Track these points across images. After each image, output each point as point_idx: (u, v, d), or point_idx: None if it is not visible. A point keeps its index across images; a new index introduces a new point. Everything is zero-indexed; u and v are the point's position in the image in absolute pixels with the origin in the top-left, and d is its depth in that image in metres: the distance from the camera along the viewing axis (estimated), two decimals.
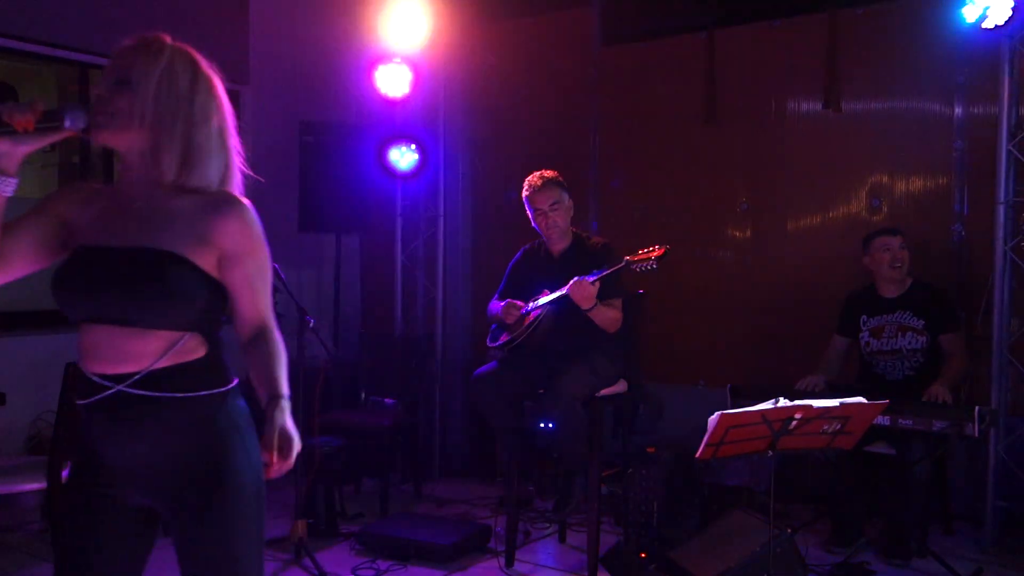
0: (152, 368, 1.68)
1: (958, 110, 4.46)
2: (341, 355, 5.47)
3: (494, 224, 5.76)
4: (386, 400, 5.21)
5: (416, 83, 5.36)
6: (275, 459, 1.73)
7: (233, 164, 1.84)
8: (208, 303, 1.74)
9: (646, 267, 3.56)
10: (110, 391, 1.67)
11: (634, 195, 5.43)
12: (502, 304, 3.88)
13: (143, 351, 1.68)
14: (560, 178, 3.91)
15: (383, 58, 5.30)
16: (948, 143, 4.50)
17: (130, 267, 1.68)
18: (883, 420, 3.66)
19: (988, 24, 3.83)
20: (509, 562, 3.92)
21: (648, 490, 3.95)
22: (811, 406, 2.81)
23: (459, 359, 5.81)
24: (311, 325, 3.88)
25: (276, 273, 3.94)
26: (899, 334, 4.14)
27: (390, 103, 5.43)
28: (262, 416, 1.79)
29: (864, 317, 4.24)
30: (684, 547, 3.61)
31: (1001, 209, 4.04)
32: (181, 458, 1.72)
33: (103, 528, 1.77)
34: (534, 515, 4.57)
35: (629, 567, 3.64)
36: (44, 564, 3.82)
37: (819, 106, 4.78)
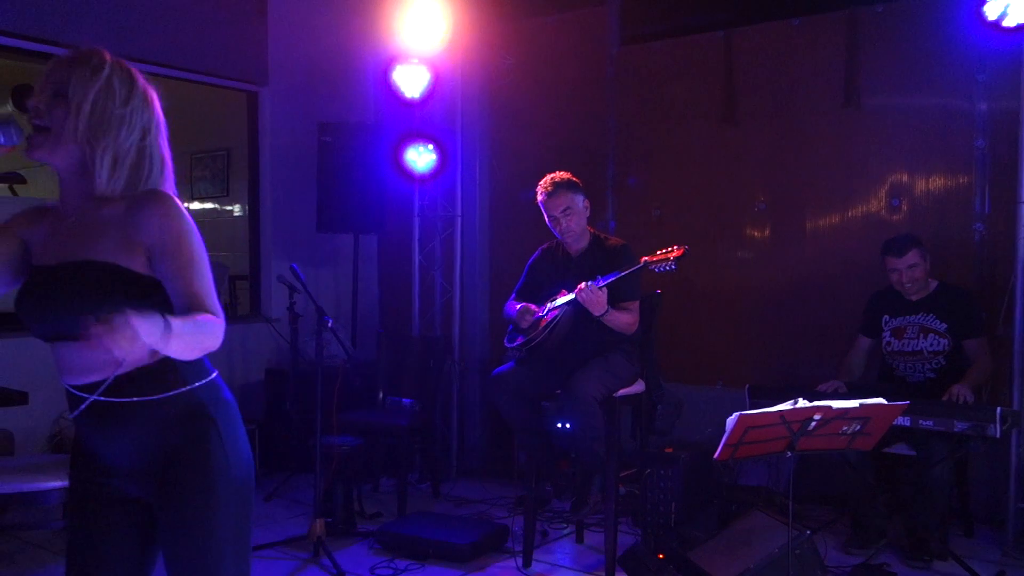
0: (117, 374, 1.73)
1: (979, 108, 4.42)
2: (359, 355, 5.49)
3: (512, 224, 5.77)
4: (404, 400, 5.22)
5: (434, 83, 5.37)
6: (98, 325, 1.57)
7: (165, 167, 1.86)
8: (153, 303, 1.72)
9: (665, 267, 3.56)
10: (86, 403, 1.75)
11: (652, 194, 5.42)
12: (517, 308, 3.89)
13: (102, 360, 1.72)
14: (573, 180, 3.89)
15: (401, 58, 5.32)
16: (969, 141, 4.46)
17: (69, 283, 1.72)
18: (903, 421, 3.64)
19: (1009, 22, 3.80)
20: (527, 562, 3.92)
21: (666, 490, 3.95)
22: (831, 407, 2.80)
23: (476, 359, 5.82)
24: (329, 325, 3.90)
25: (295, 273, 3.99)
26: (921, 336, 4.11)
27: (408, 103, 5.45)
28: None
29: (886, 317, 4.21)
30: (702, 548, 3.60)
31: (1023, 208, 4.00)
32: (161, 454, 1.78)
33: (108, 518, 1.84)
34: (551, 515, 4.57)
35: (647, 568, 3.63)
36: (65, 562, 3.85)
37: (838, 104, 4.75)
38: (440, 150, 5.42)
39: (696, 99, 5.25)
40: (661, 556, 3.69)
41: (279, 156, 5.97)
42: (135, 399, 1.75)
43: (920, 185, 4.62)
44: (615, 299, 3.70)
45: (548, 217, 3.90)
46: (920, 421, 3.63)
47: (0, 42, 4.81)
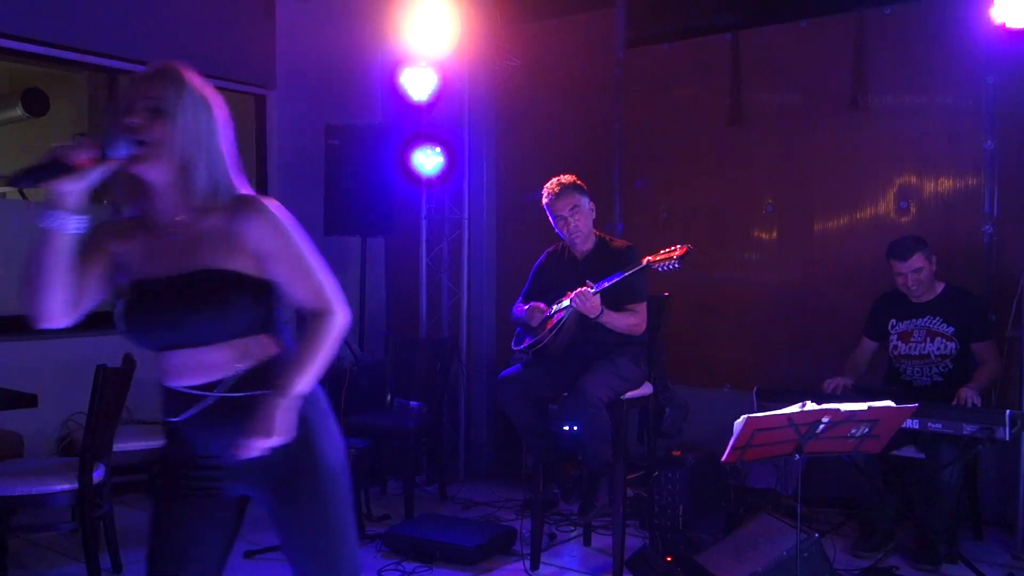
0: (237, 372, 1.82)
1: (988, 110, 4.41)
2: (366, 357, 5.50)
3: (519, 227, 5.77)
4: (411, 402, 5.23)
5: (441, 86, 5.38)
6: (250, 442, 1.76)
7: (240, 173, 1.91)
8: (264, 305, 1.84)
9: (669, 266, 3.55)
10: (205, 402, 1.82)
11: (659, 196, 5.42)
12: (526, 307, 3.89)
13: (221, 362, 1.82)
14: (578, 182, 3.90)
15: (408, 61, 5.33)
16: (978, 143, 4.44)
17: (184, 293, 1.78)
18: (912, 423, 3.63)
19: (1018, 23, 3.79)
20: (534, 565, 3.92)
21: (674, 493, 3.94)
22: (839, 410, 2.79)
23: (484, 361, 5.82)
24: None
25: None
26: (928, 339, 4.10)
27: (415, 106, 5.46)
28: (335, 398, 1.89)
29: (893, 321, 4.20)
30: (710, 551, 3.59)
31: None
32: (272, 449, 1.81)
33: (201, 522, 1.89)
34: (559, 518, 4.57)
35: (655, 570, 3.63)
36: (75, 564, 3.87)
37: (846, 106, 4.74)
38: (448, 153, 5.43)
39: (703, 101, 5.25)
40: (669, 559, 3.69)
41: (287, 159, 5.99)
42: (249, 394, 1.81)
43: (928, 187, 4.60)
44: (620, 301, 3.70)
45: (555, 218, 3.91)
46: (929, 424, 3.62)
47: (10, 46, 4.83)
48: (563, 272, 3.95)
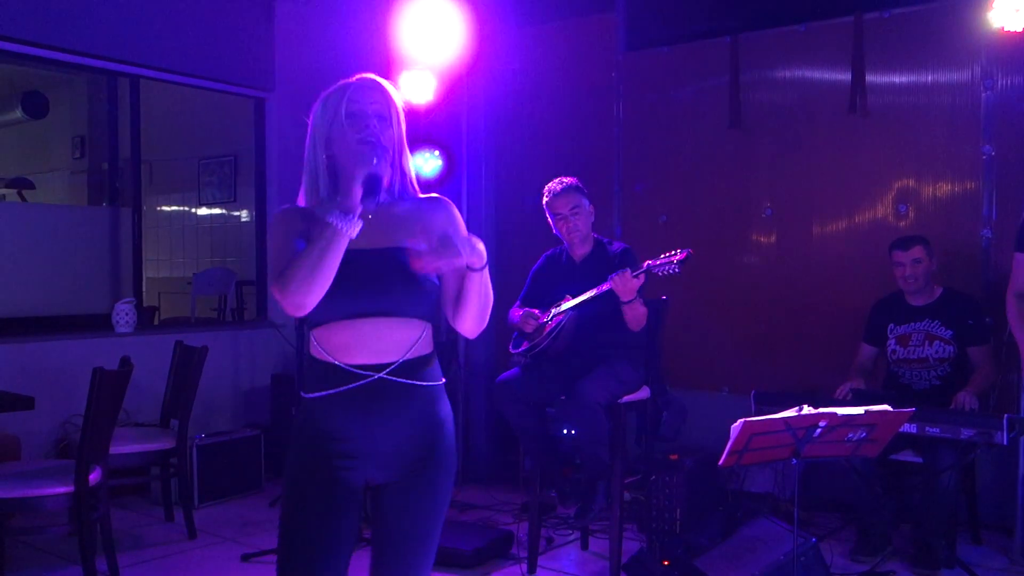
0: (405, 359, 1.91)
1: (987, 114, 4.41)
2: None
3: (518, 230, 5.76)
4: None
5: (440, 90, 5.38)
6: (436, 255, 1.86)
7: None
8: (437, 295, 1.99)
9: (668, 271, 3.54)
10: (371, 378, 1.89)
11: (658, 200, 5.42)
12: (520, 313, 3.89)
13: (402, 340, 1.92)
14: (579, 184, 3.92)
15: (407, 65, 5.33)
16: (976, 147, 4.45)
17: (389, 265, 1.92)
18: (910, 428, 3.62)
19: (1016, 27, 3.79)
20: (532, 568, 3.91)
21: (671, 497, 3.94)
22: (836, 414, 2.79)
23: (482, 365, 5.81)
24: None
25: None
26: (926, 343, 4.10)
27: (414, 110, 5.46)
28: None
29: (891, 325, 4.20)
30: (707, 555, 3.58)
31: None
32: (415, 439, 1.93)
33: (335, 508, 1.94)
34: (557, 521, 4.56)
35: (652, 574, 3.62)
36: (71, 567, 3.87)
37: (845, 110, 4.74)
38: (446, 156, 5.43)
39: (702, 105, 5.25)
40: (666, 563, 3.68)
41: (286, 162, 5.99)
42: (414, 382, 1.92)
43: (927, 191, 4.60)
44: (619, 305, 3.69)
45: (554, 217, 3.91)
46: (926, 428, 3.61)
47: (10, 49, 4.84)
48: (561, 275, 3.95)
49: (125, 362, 3.78)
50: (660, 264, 3.56)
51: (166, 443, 4.39)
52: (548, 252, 4.11)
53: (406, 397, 1.92)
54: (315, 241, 1.84)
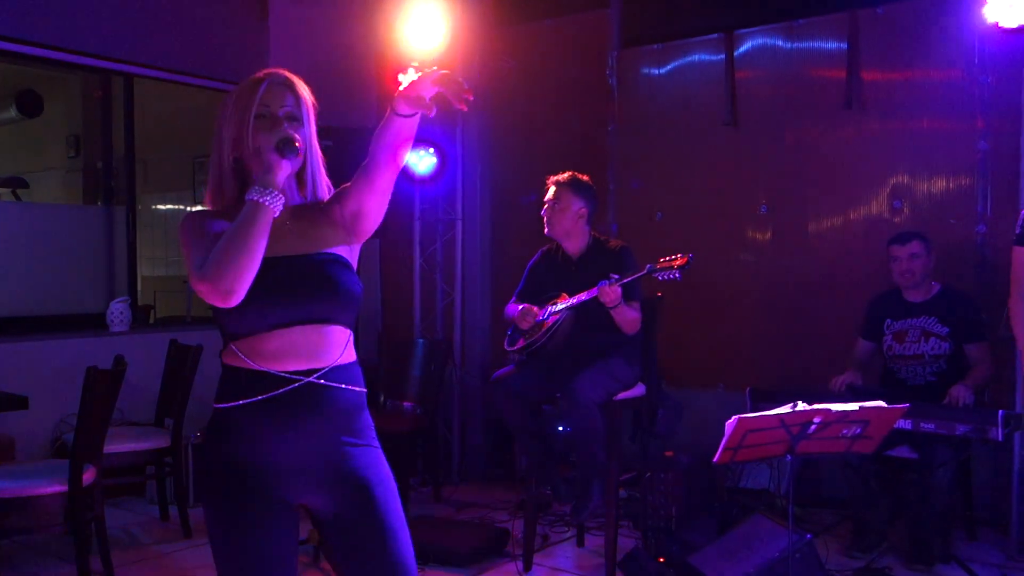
0: (335, 364, 1.87)
1: (982, 110, 4.41)
2: (360, 358, 5.49)
3: (512, 227, 5.76)
4: (405, 404, 5.22)
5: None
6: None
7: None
8: (360, 303, 1.96)
9: (669, 276, 3.53)
10: (302, 382, 1.82)
11: (653, 197, 5.41)
12: (518, 309, 3.88)
13: (332, 346, 1.87)
14: (579, 180, 3.92)
15: (401, 62, 5.31)
16: (971, 144, 4.44)
17: (324, 270, 1.88)
18: (905, 424, 3.62)
19: (1011, 23, 3.79)
20: (527, 566, 3.91)
21: (666, 494, 3.94)
22: (830, 410, 2.79)
23: (478, 362, 5.81)
24: None
25: None
26: (922, 339, 4.10)
27: None
28: None
29: (888, 321, 4.20)
30: (703, 552, 3.59)
31: None
32: (343, 450, 1.87)
33: (269, 528, 1.85)
34: (552, 519, 4.56)
35: (647, 572, 3.62)
36: (66, 566, 3.86)
37: (840, 106, 4.73)
38: (440, 153, 5.42)
39: (697, 102, 5.24)
40: (661, 560, 3.69)
41: None
42: (344, 386, 1.87)
43: (922, 187, 4.60)
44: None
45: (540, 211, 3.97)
46: (921, 424, 3.62)
47: (4, 48, 4.82)
48: (557, 272, 3.95)
49: (119, 361, 3.77)
50: (662, 268, 3.55)
51: (161, 442, 4.39)
52: (544, 248, 4.11)
53: (335, 399, 1.85)
54: (238, 222, 1.77)
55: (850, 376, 4.08)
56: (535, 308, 3.84)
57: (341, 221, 1.96)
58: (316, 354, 1.85)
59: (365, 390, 1.95)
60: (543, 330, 3.81)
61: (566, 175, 3.93)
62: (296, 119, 1.92)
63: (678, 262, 3.52)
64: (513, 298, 4.05)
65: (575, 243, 3.93)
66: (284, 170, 1.84)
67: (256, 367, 1.82)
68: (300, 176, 1.96)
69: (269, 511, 1.84)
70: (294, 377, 1.81)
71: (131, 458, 4.31)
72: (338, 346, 1.88)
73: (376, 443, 1.95)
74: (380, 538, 1.88)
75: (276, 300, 1.83)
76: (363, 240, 2.01)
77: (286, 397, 1.81)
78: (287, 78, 1.97)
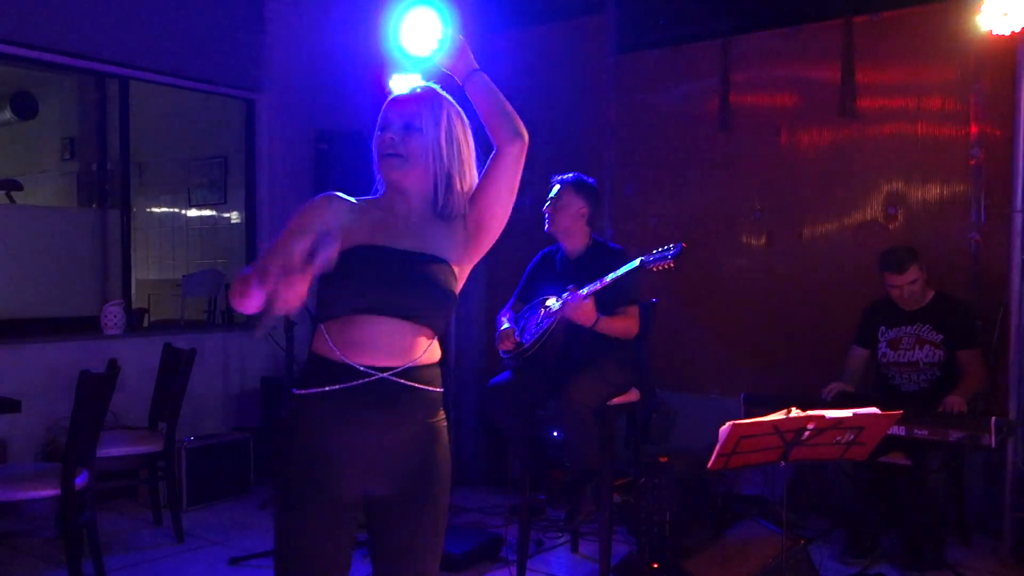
0: (412, 364, 1.89)
1: (975, 117, 4.42)
2: None
3: (508, 231, 5.72)
4: None
5: None
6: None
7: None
8: (453, 312, 1.99)
9: (663, 265, 3.50)
10: (374, 377, 1.85)
11: (649, 202, 5.42)
12: (501, 328, 3.86)
13: (412, 346, 1.90)
14: (583, 181, 3.92)
15: (398, 67, 5.31)
16: (965, 150, 4.46)
17: (428, 269, 1.91)
18: (898, 430, 3.62)
19: (1004, 30, 3.80)
20: (521, 572, 3.90)
21: (660, 500, 3.93)
22: (824, 416, 2.79)
23: (472, 368, 5.80)
24: None
25: None
26: (917, 346, 4.10)
27: None
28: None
29: (883, 328, 4.20)
30: (697, 557, 3.58)
31: (1018, 217, 4.00)
32: (414, 443, 1.91)
33: (334, 522, 1.90)
34: (546, 524, 4.55)
35: None
36: (58, 570, 3.84)
37: (834, 112, 4.75)
38: None
39: (693, 107, 5.25)
40: (655, 565, 3.68)
41: (276, 163, 5.98)
42: (418, 385, 1.89)
43: (916, 194, 4.61)
44: (613, 303, 3.68)
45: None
46: (915, 430, 3.62)
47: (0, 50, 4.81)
48: (556, 272, 3.94)
49: (112, 365, 3.76)
50: (654, 259, 3.52)
51: (154, 446, 4.37)
52: (544, 250, 4.09)
53: (408, 398, 1.88)
54: (251, 270, 1.73)
55: (840, 385, 4.09)
56: (515, 332, 3.82)
57: (463, 236, 2.02)
58: (399, 351, 1.88)
59: (440, 390, 1.97)
60: (537, 336, 3.80)
61: (571, 175, 3.93)
62: (413, 127, 1.97)
63: (672, 251, 3.46)
64: (511, 300, 4.05)
65: (575, 242, 3.92)
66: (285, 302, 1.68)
67: (338, 358, 1.86)
68: (434, 186, 1.99)
69: (330, 502, 1.88)
70: (370, 371, 1.85)
71: (124, 462, 4.30)
72: (421, 346, 1.91)
73: (443, 446, 1.97)
74: (406, 549, 1.94)
75: (372, 284, 1.87)
76: (481, 253, 2.08)
77: (360, 389, 1.85)
78: (423, 87, 2.07)
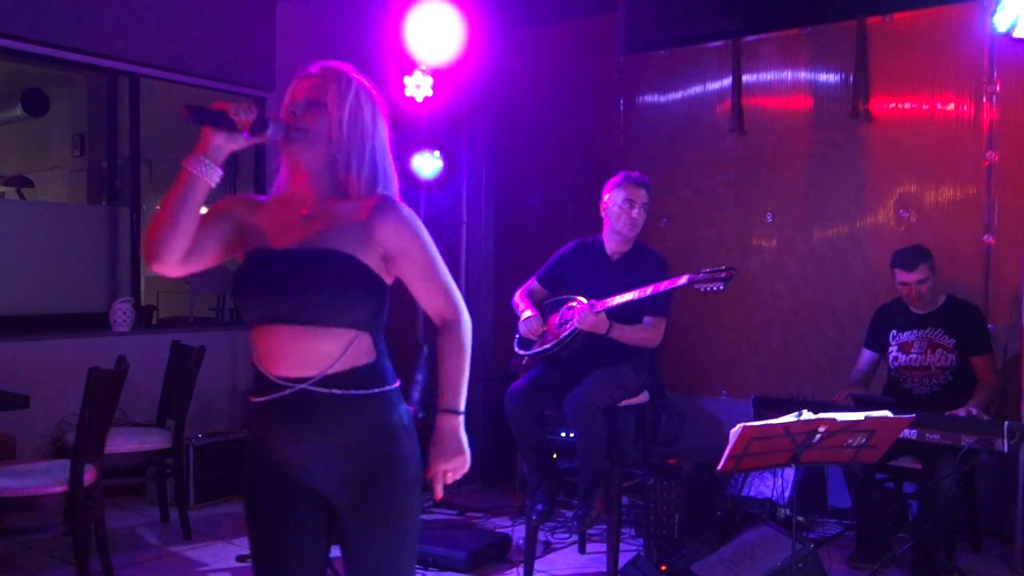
0: (328, 372, 1.79)
1: (990, 119, 4.39)
2: None
3: (517, 231, 5.74)
4: (409, 408, 5.19)
5: (441, 91, 5.36)
6: (442, 475, 1.92)
7: (393, 174, 1.99)
8: (377, 303, 1.86)
9: (712, 288, 3.49)
10: (290, 391, 1.79)
11: (658, 203, 5.36)
12: (522, 316, 3.84)
13: (322, 353, 1.79)
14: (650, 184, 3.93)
15: (408, 65, 5.31)
16: (979, 152, 4.43)
17: (312, 268, 1.80)
18: (910, 434, 3.60)
19: (1020, 32, 3.77)
20: (528, 573, 3.88)
21: (669, 502, 3.91)
22: (835, 419, 2.77)
23: (481, 367, 5.79)
24: None
25: None
26: (929, 350, 4.07)
27: (414, 111, 5.44)
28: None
29: (894, 331, 4.17)
30: (705, 560, 3.56)
31: None
32: (352, 452, 1.82)
33: (296, 506, 1.87)
34: (554, 525, 4.53)
35: None
36: (65, 567, 3.84)
37: (847, 115, 4.72)
38: (446, 157, 5.41)
39: (704, 108, 5.23)
40: (664, 568, 3.66)
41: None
42: (338, 392, 1.80)
43: (929, 196, 4.58)
44: (641, 312, 3.68)
45: (621, 200, 3.82)
46: (927, 434, 3.59)
47: (10, 47, 4.82)
48: (592, 268, 3.89)
49: (121, 361, 3.76)
50: (703, 281, 3.50)
51: (162, 443, 4.37)
52: (579, 240, 4.03)
53: (334, 407, 1.80)
54: (171, 188, 1.81)
55: (852, 390, 4.06)
56: (543, 326, 3.81)
57: (367, 226, 1.86)
58: (314, 359, 1.79)
59: (381, 390, 1.86)
60: (559, 339, 3.77)
61: (638, 175, 3.89)
62: (316, 103, 1.89)
63: (723, 275, 3.44)
64: (533, 279, 4.01)
65: (625, 243, 3.88)
66: (211, 140, 1.80)
67: (263, 370, 1.84)
68: (333, 167, 1.90)
69: (284, 507, 1.86)
70: (287, 383, 1.79)
71: (132, 459, 4.30)
72: (334, 352, 1.80)
73: (395, 446, 1.87)
74: (365, 564, 1.87)
75: (259, 294, 1.83)
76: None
77: (280, 403, 1.81)
78: (323, 66, 1.96)
